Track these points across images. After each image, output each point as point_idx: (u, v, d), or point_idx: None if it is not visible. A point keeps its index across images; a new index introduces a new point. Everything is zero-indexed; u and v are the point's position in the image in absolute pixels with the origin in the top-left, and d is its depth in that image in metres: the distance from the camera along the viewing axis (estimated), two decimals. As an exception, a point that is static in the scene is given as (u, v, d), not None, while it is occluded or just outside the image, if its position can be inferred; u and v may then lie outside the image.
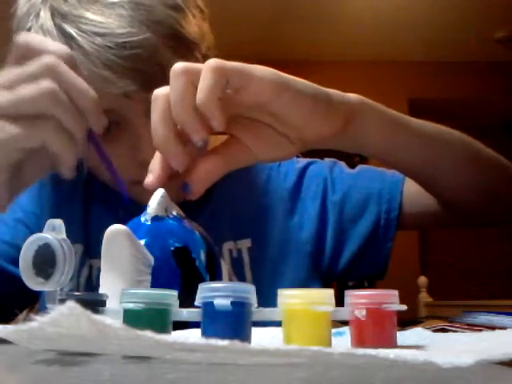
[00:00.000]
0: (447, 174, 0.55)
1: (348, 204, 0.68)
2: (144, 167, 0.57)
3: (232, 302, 0.26)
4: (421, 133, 0.53)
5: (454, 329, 0.55)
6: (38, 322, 0.17)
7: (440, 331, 0.51)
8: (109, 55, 0.50)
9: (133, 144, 0.57)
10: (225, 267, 0.44)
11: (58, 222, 0.30)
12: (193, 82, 0.40)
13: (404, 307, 0.34)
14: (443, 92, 3.82)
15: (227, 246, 0.66)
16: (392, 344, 0.32)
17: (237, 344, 0.19)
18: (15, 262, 0.66)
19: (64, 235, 0.30)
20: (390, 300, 0.32)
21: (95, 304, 0.31)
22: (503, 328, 0.40)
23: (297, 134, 0.44)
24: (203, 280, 0.38)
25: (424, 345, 0.34)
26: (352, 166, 0.73)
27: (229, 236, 0.66)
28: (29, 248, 0.29)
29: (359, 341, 0.32)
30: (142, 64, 0.51)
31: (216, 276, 0.41)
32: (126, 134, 0.57)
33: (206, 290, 0.27)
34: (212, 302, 0.26)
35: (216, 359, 0.19)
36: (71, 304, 0.16)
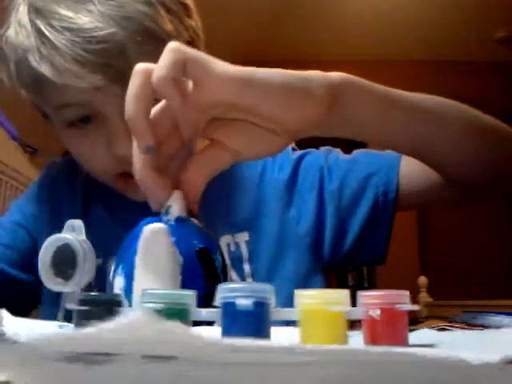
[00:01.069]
0: (447, 149, 0.53)
1: (346, 191, 0.67)
2: (120, 160, 0.57)
3: (253, 302, 0.26)
4: (416, 107, 0.50)
5: (453, 329, 0.55)
6: (97, 327, 0.17)
7: (441, 331, 0.52)
8: (77, 50, 0.50)
9: (109, 138, 0.57)
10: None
11: (78, 223, 0.30)
12: (150, 83, 0.39)
13: (416, 307, 0.34)
14: (443, 92, 3.81)
15: (225, 239, 0.65)
16: (404, 343, 0.33)
17: (295, 345, 0.19)
18: (15, 265, 0.66)
19: (84, 236, 0.30)
20: (403, 300, 0.33)
21: (111, 304, 0.31)
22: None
23: (279, 126, 0.42)
24: (220, 280, 0.38)
25: (435, 344, 0.35)
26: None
27: (226, 230, 0.66)
28: (48, 249, 0.29)
29: (372, 340, 0.32)
30: (111, 59, 0.51)
31: (226, 277, 0.41)
32: (102, 128, 0.57)
33: (226, 291, 0.27)
34: (233, 302, 0.26)
35: (258, 359, 0.19)
36: (135, 314, 0.16)
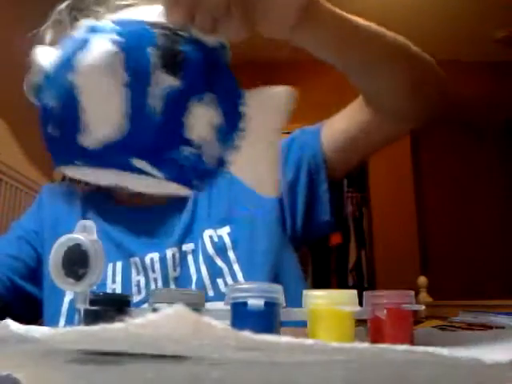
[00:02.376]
0: (382, 70, 0.58)
1: (289, 167, 0.73)
2: None
3: (264, 303, 0.27)
4: (361, 36, 0.54)
5: (453, 329, 0.56)
6: (128, 323, 0.18)
7: (442, 331, 0.52)
8: None
9: None
10: None
11: (89, 223, 0.30)
12: None
13: (422, 307, 0.34)
14: (443, 92, 3.81)
15: (208, 232, 0.69)
16: (410, 342, 0.33)
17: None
18: (21, 276, 0.70)
19: (95, 236, 0.30)
20: (409, 300, 0.33)
21: (122, 304, 0.31)
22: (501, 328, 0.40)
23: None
24: None
25: (439, 343, 0.35)
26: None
27: (208, 225, 0.70)
28: (59, 249, 0.29)
29: (379, 339, 0.32)
30: None
31: None
32: None
33: (237, 291, 0.27)
34: (244, 303, 0.26)
35: (278, 358, 0.20)
36: (177, 307, 0.17)
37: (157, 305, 0.28)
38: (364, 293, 0.34)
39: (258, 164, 0.30)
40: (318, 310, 0.29)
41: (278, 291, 0.28)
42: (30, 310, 0.71)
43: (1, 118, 2.10)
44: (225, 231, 0.69)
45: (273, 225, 0.71)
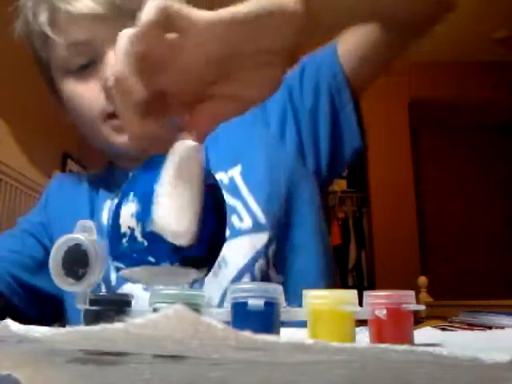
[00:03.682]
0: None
1: (306, 94, 0.71)
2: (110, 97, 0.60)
3: (264, 303, 0.27)
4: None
5: (453, 329, 0.56)
6: (128, 323, 0.18)
7: (442, 331, 0.52)
8: None
9: (104, 75, 0.61)
10: None
11: (89, 224, 0.30)
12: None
13: (422, 307, 0.34)
14: (443, 92, 3.83)
15: (218, 176, 0.66)
16: (410, 342, 0.33)
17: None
18: (28, 270, 0.68)
19: (95, 236, 0.30)
20: (409, 300, 0.33)
21: (122, 304, 0.31)
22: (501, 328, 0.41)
23: (276, 54, 0.39)
24: (226, 218, 0.36)
25: (439, 343, 0.35)
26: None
27: (219, 168, 0.68)
28: (59, 248, 0.29)
29: (379, 339, 0.32)
30: None
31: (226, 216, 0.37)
32: (99, 69, 0.63)
33: (237, 291, 0.27)
34: (244, 303, 0.27)
35: (275, 358, 0.20)
36: (177, 307, 0.17)
37: (157, 305, 0.29)
38: (364, 293, 0.34)
39: (172, 215, 0.32)
40: (318, 310, 0.29)
41: (278, 291, 0.28)
42: (45, 306, 0.69)
43: (1, 118, 2.10)
44: (236, 171, 0.67)
45: (289, 161, 0.69)
